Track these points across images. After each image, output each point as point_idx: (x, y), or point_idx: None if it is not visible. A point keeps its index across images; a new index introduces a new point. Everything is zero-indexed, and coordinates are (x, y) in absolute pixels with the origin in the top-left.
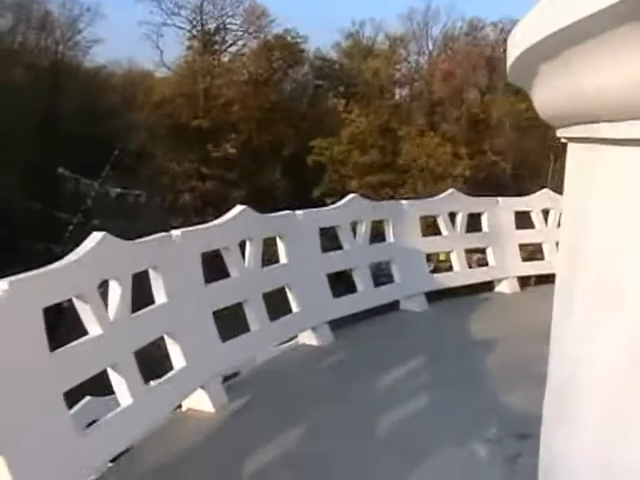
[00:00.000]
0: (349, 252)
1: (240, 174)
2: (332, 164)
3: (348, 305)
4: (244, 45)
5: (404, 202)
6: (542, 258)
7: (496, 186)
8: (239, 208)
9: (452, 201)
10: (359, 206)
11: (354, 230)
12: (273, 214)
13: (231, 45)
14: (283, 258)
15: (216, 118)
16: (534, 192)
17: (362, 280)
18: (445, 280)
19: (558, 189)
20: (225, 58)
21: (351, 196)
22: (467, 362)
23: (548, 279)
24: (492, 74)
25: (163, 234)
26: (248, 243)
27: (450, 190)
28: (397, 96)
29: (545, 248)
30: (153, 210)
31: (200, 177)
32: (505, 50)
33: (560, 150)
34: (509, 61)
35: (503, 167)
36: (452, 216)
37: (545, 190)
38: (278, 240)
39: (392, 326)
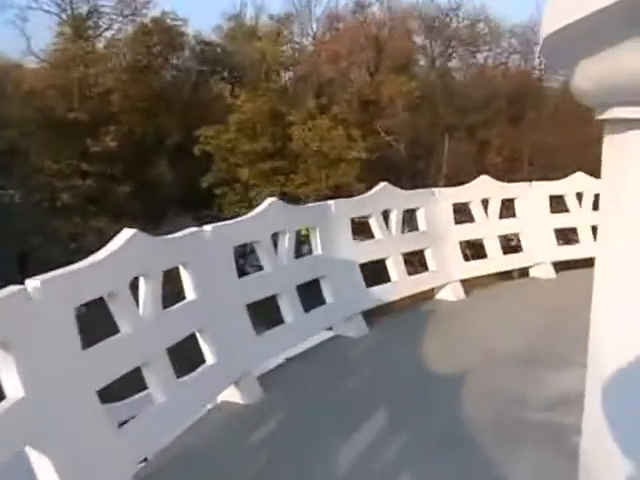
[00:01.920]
0: (272, 274)
1: (124, 168)
2: (220, 153)
3: (277, 343)
4: (120, 30)
5: (332, 203)
6: (484, 255)
7: (391, 168)
8: (127, 234)
9: (385, 197)
10: (280, 213)
11: (275, 243)
12: (173, 235)
13: (106, 30)
14: (190, 293)
15: (94, 110)
16: (428, 172)
17: (290, 307)
18: (384, 294)
19: (453, 171)
20: (100, 44)
21: (270, 201)
22: (441, 411)
23: (489, 279)
24: (380, 54)
25: (14, 289)
26: (143, 281)
27: (382, 184)
28: (284, 79)
29: (487, 244)
30: (31, 211)
31: (80, 174)
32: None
33: (457, 128)
34: (543, 39)
35: (397, 148)
36: (385, 214)
37: (483, 177)
38: (182, 270)
39: (329, 363)
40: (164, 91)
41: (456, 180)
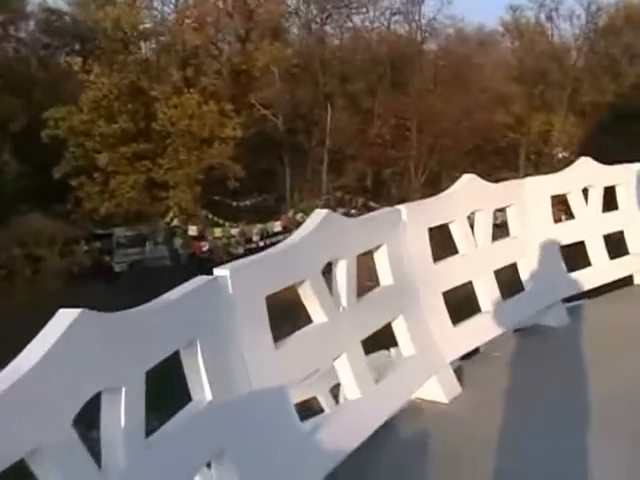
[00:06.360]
0: None
1: None
2: (74, 137)
3: None
4: None
5: (222, 274)
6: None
7: (270, 144)
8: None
9: (328, 233)
10: None
11: None
12: None
13: None
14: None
15: None
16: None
17: None
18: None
19: (337, 143)
20: None
21: None
22: None
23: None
24: (250, 19)
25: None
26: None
27: (322, 212)
28: (144, 50)
29: (479, 289)
30: None
31: None
32: None
33: (339, 98)
34: None
35: (274, 122)
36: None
37: (470, 176)
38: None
39: None
40: (6, 67)
41: (341, 154)
